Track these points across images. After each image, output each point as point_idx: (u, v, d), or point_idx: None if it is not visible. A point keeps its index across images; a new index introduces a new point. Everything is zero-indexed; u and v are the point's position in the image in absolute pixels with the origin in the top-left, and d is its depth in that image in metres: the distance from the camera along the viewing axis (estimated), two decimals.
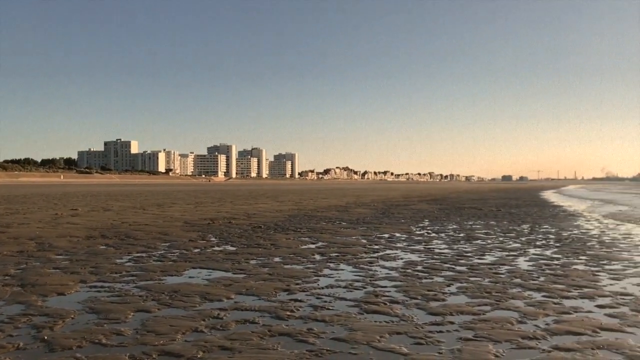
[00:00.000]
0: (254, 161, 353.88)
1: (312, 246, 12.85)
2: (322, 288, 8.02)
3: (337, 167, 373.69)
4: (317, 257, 11.14)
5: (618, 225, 20.21)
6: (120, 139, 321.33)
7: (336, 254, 11.47)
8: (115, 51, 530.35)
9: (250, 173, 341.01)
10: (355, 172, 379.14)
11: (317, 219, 21.07)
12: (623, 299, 7.43)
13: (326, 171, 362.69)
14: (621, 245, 13.62)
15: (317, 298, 7.36)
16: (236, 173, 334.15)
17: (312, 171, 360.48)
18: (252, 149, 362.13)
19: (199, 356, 4.94)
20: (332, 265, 10.12)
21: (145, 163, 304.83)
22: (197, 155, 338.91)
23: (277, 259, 10.74)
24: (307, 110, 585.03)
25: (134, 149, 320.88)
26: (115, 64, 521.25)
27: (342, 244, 13.18)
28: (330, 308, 6.81)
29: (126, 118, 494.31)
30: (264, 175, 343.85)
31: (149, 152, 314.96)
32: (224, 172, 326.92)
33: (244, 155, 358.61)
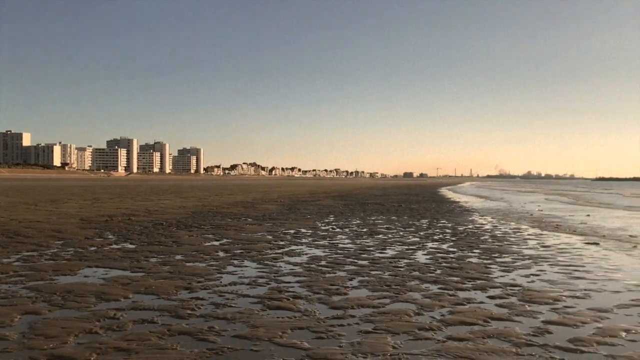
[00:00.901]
0: (156, 156, 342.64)
1: (216, 243, 12.65)
2: (225, 285, 7.91)
3: (244, 163, 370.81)
4: (221, 254, 10.98)
5: (508, 220, 21.53)
6: (10, 131, 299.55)
7: (240, 251, 11.35)
8: (4, 38, 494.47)
9: (152, 168, 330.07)
10: (263, 168, 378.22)
11: (222, 216, 20.79)
12: (512, 289, 7.90)
13: (233, 167, 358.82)
14: (511, 239, 14.50)
15: (220, 296, 7.24)
16: (138, 168, 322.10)
17: (218, 167, 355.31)
18: (155, 143, 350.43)
19: (92, 359, 4.70)
20: (236, 262, 10.01)
21: (39, 157, 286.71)
22: (96, 149, 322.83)
23: (178, 257, 10.46)
24: (214, 104, 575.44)
25: (26, 141, 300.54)
26: (5, 51, 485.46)
27: (247, 241, 13.08)
28: (233, 305, 6.72)
29: (18, 108, 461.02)
30: (167, 171, 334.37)
31: (43, 145, 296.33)
32: (125, 167, 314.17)
33: (146, 149, 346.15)
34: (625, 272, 9.51)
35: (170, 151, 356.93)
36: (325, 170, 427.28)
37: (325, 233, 15.07)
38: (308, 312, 6.40)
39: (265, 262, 10.03)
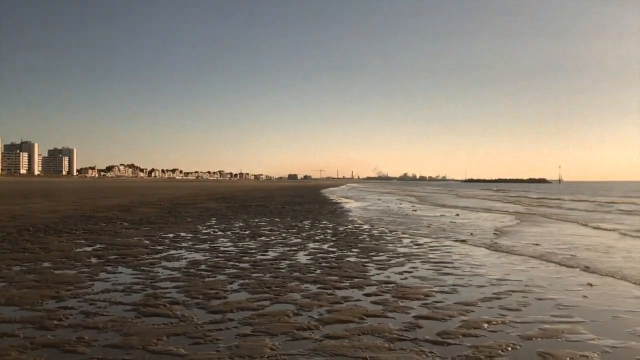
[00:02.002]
0: (23, 156, 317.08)
1: (89, 249, 11.98)
2: (97, 293, 7.51)
3: (121, 164, 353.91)
4: (94, 260, 10.42)
5: (385, 219, 22.44)
6: None
7: (115, 257, 10.84)
8: None
9: (19, 170, 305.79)
10: (142, 170, 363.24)
11: (95, 220, 19.72)
12: (386, 286, 8.24)
13: (109, 168, 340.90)
14: (387, 238, 15.14)
15: (91, 304, 6.86)
16: (2, 170, 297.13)
17: (92, 168, 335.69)
18: (22, 142, 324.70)
19: None
20: (109, 268, 9.54)
21: None
22: None
23: (46, 264, 9.78)
24: (88, 102, 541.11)
25: None
26: None
27: (122, 246, 12.51)
28: (105, 314, 6.40)
29: None
30: (36, 172, 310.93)
31: None
32: None
33: (12, 149, 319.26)
34: (488, 267, 10.26)
35: (40, 151, 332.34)
36: (209, 172, 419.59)
37: (207, 236, 14.80)
38: (185, 318, 6.25)
39: (142, 267, 9.66)
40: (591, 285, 8.61)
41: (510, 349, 5.32)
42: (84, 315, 6.30)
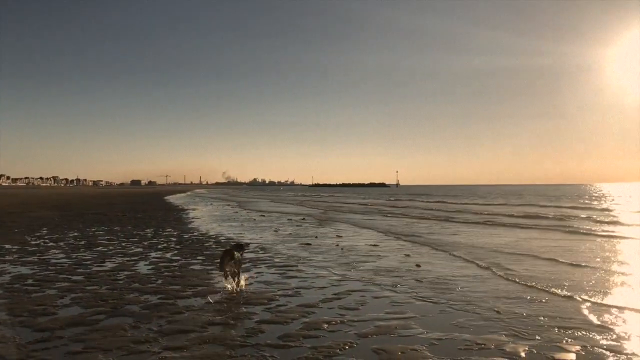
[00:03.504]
0: None
1: None
2: None
3: None
4: None
5: (231, 224, 22.31)
6: None
7: None
8: None
9: None
10: None
11: None
12: (232, 294, 8.14)
13: None
14: (232, 243, 15.00)
15: None
16: None
17: None
18: None
19: None
20: None
21: None
22: None
23: None
24: None
25: None
26: None
27: None
28: None
29: None
30: None
31: None
32: None
33: None
34: (330, 270, 10.62)
35: None
36: (42, 178, 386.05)
37: (36, 248, 13.59)
38: (6, 339, 5.67)
39: None
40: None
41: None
42: None
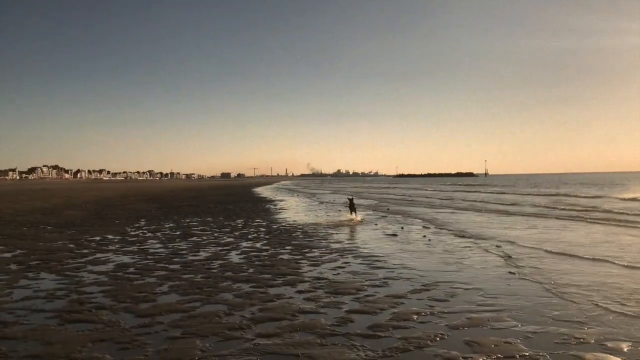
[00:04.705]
0: None
1: (8, 255, 11.38)
2: (17, 301, 7.14)
3: (44, 166, 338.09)
4: (13, 266, 9.91)
5: (319, 216, 22.55)
6: None
7: (37, 262, 10.35)
8: None
9: None
10: (67, 171, 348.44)
11: (16, 224, 18.76)
12: (319, 282, 8.26)
13: (31, 170, 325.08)
14: (320, 234, 15.20)
15: (9, 313, 6.52)
16: None
17: (13, 170, 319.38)
18: None
19: None
20: (31, 274, 9.10)
21: None
22: None
23: None
24: (3, 97, 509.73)
25: None
26: None
27: (45, 251, 11.96)
28: (25, 322, 6.10)
29: None
30: None
31: None
32: None
33: None
34: (420, 261, 10.50)
35: None
36: (138, 173, 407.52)
37: (135, 238, 14.38)
38: (112, 323, 6.04)
39: (66, 272, 9.27)
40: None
41: None
42: (2, 326, 5.98)
